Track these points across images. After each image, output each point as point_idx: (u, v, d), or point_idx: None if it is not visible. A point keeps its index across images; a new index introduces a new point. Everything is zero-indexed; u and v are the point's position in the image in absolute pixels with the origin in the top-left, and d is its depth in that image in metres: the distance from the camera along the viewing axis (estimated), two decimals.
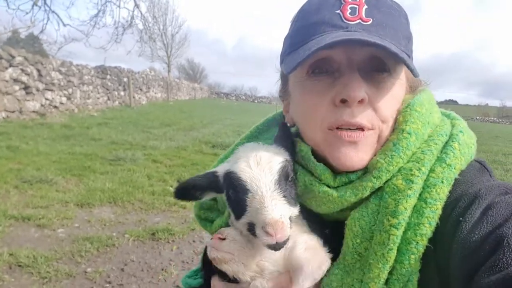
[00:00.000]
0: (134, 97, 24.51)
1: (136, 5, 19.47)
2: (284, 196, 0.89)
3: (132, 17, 19.91)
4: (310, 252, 0.91)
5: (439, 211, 0.84)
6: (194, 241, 5.15)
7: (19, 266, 4.04)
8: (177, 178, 7.97)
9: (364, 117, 0.91)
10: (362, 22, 0.89)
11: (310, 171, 0.98)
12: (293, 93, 1.06)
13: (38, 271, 3.95)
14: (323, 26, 0.91)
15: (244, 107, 38.44)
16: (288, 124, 1.10)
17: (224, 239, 0.98)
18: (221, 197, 1.12)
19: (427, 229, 0.82)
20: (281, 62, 1.06)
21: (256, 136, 1.26)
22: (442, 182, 0.86)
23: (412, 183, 0.85)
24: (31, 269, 3.98)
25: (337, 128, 0.92)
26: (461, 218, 0.81)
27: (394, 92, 0.94)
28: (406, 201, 0.83)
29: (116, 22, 19.83)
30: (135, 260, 4.48)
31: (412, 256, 0.82)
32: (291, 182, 0.95)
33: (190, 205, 6.46)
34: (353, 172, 0.94)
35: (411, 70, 0.88)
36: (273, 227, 0.82)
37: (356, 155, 0.92)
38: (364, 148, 0.93)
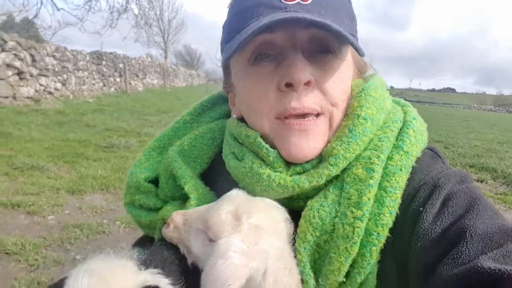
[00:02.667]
0: (130, 84, 24.32)
1: None
2: None
3: (128, 2, 19.63)
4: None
5: (399, 200, 0.81)
6: None
7: (6, 253, 3.99)
8: None
9: (311, 100, 0.86)
10: (302, 2, 0.84)
11: (259, 157, 0.91)
12: (236, 84, 1.00)
13: (25, 258, 3.90)
14: (260, 9, 0.85)
15: None
16: (236, 118, 1.04)
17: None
18: (164, 183, 1.06)
19: (388, 219, 0.79)
20: (221, 51, 0.99)
21: (200, 113, 1.21)
22: (401, 170, 0.83)
23: (373, 171, 0.81)
24: (18, 257, 3.93)
25: (286, 117, 0.87)
26: (421, 209, 0.80)
27: (341, 73, 0.90)
28: (369, 191, 0.79)
29: (111, 7, 19.53)
30: (125, 247, 4.40)
31: (374, 248, 0.78)
32: None
33: None
34: (306, 162, 0.88)
35: (356, 49, 0.84)
36: None
37: (308, 144, 0.87)
38: (315, 136, 0.88)
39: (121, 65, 22.96)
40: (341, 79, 0.90)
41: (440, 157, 0.94)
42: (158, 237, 1.02)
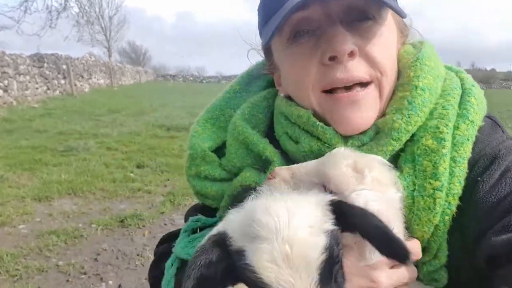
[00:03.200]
0: (75, 85, 23.27)
1: None
2: None
3: (66, 0, 18.73)
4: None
5: (466, 170, 0.83)
6: (165, 224, 5.10)
7: None
8: (136, 164, 7.79)
9: (359, 69, 0.85)
10: None
11: (315, 136, 0.92)
12: (279, 64, 1.01)
13: (6, 269, 3.76)
14: None
15: (193, 88, 37.83)
16: (284, 96, 1.04)
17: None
18: (233, 152, 1.02)
19: (458, 189, 0.81)
20: (260, 34, 1.00)
21: (247, 83, 1.17)
22: (468, 139, 0.84)
23: (444, 141, 0.82)
24: None
25: (333, 89, 0.88)
26: (479, 178, 0.82)
27: (384, 38, 0.89)
28: (444, 161, 0.81)
29: (48, 6, 18.58)
30: (107, 248, 4.38)
31: (446, 218, 0.81)
32: (337, 270, 0.67)
33: (155, 189, 6.39)
34: (362, 133, 0.89)
35: (396, 11, 0.84)
36: None
37: (361, 115, 0.87)
38: (367, 106, 0.88)
39: (64, 67, 21.88)
40: (385, 45, 0.90)
41: (499, 126, 0.94)
42: (227, 203, 0.99)
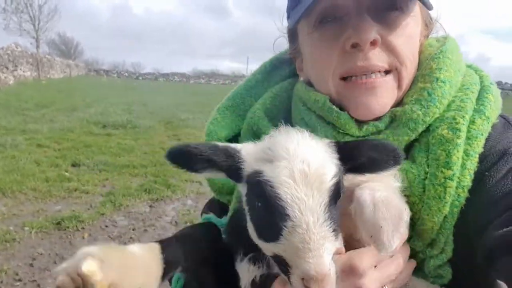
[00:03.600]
0: None
1: None
2: (333, 230, 0.69)
3: None
4: (381, 207, 0.73)
5: (476, 164, 0.84)
6: (106, 226, 4.85)
7: None
8: (71, 162, 7.35)
9: (379, 58, 0.87)
10: None
11: (329, 122, 0.93)
12: (303, 48, 1.02)
13: None
14: None
15: (128, 85, 36.41)
16: (304, 82, 1.05)
17: None
18: (245, 141, 0.97)
19: (468, 181, 0.83)
20: (288, 17, 1.02)
21: (269, 72, 1.16)
22: (482, 134, 0.86)
23: (459, 131, 0.84)
24: None
25: (352, 76, 0.89)
26: (486, 173, 0.84)
27: (409, 30, 0.91)
28: (458, 151, 0.82)
29: None
30: (44, 253, 4.08)
31: (455, 209, 0.83)
32: (339, 200, 0.73)
33: (94, 189, 6.06)
34: (377, 119, 0.90)
35: (424, 2, 0.86)
36: (318, 283, 0.65)
37: (377, 101, 0.88)
38: (384, 93, 0.89)
39: None
40: (409, 36, 0.91)
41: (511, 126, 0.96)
42: (237, 197, 0.97)
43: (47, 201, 5.51)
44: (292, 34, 1.07)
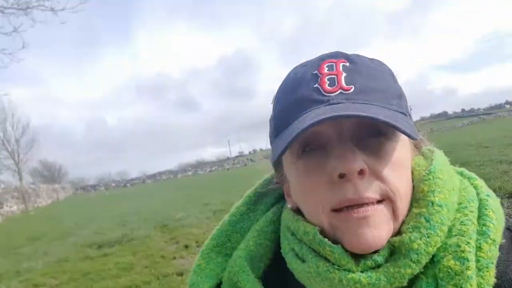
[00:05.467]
0: None
1: None
2: None
3: None
4: None
5: None
6: None
7: None
8: None
9: (370, 190, 0.80)
10: (344, 92, 0.82)
11: (322, 255, 0.85)
12: (289, 176, 0.96)
13: None
14: (304, 103, 0.83)
15: (118, 194, 36.15)
16: (292, 209, 0.98)
17: None
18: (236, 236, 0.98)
19: None
20: (270, 144, 0.98)
21: (255, 201, 1.11)
22: (492, 263, 0.77)
23: (468, 261, 0.75)
24: None
25: (341, 209, 0.82)
26: None
27: (397, 156, 0.85)
28: (471, 285, 0.73)
29: None
30: None
31: None
32: None
33: None
34: (375, 252, 0.82)
35: (407, 134, 0.78)
36: None
37: (371, 232, 0.80)
38: (377, 223, 0.81)
39: None
40: (399, 163, 0.85)
41: None
42: None
43: None
44: (276, 161, 1.01)
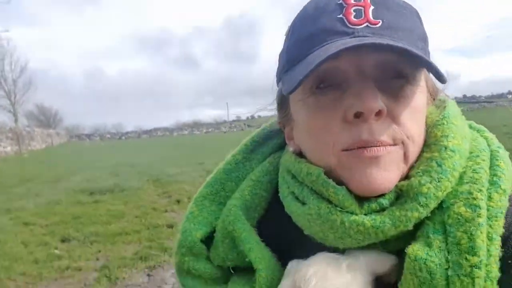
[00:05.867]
0: None
1: None
2: None
3: None
4: None
5: (500, 249, 0.72)
6: None
7: None
8: (60, 238, 7.05)
9: (385, 133, 0.76)
10: (370, 25, 0.76)
11: (324, 197, 0.81)
12: (296, 116, 0.89)
13: None
14: (324, 35, 0.77)
15: (113, 146, 36.21)
16: (294, 152, 0.93)
17: None
18: (220, 241, 0.93)
19: (496, 271, 0.70)
20: (278, 81, 0.91)
21: (252, 150, 1.07)
22: (502, 213, 0.75)
23: (480, 208, 0.73)
24: None
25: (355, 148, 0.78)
26: (510, 261, 0.73)
27: (416, 101, 0.81)
28: (481, 232, 0.71)
29: None
30: None
31: None
32: None
33: (86, 265, 5.76)
34: (380, 196, 0.78)
35: (438, 74, 0.75)
36: None
37: (380, 174, 0.76)
38: (388, 165, 0.77)
39: None
40: (416, 108, 0.81)
41: None
42: None
43: (38, 285, 5.19)
44: (281, 100, 0.96)
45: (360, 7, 0.77)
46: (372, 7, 0.77)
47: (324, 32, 0.77)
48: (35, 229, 7.85)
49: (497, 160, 0.82)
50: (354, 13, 0.77)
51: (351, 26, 0.76)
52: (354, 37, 0.74)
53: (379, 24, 0.76)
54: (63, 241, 6.97)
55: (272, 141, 1.07)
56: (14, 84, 44.52)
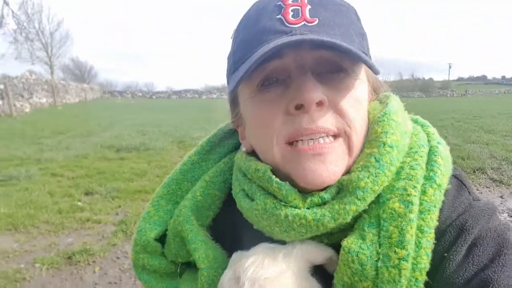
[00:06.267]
0: (15, 105, 21.99)
1: (6, 3, 17.34)
2: None
3: (2, 16, 17.70)
4: None
5: (433, 241, 0.76)
6: (118, 257, 4.76)
7: None
8: (84, 191, 7.35)
9: (326, 120, 0.79)
10: (307, 24, 0.78)
11: (270, 193, 0.85)
12: (244, 114, 0.93)
13: None
14: (265, 35, 0.79)
15: (142, 105, 36.89)
16: (247, 152, 0.97)
17: None
18: (171, 239, 0.99)
19: (426, 262, 0.74)
20: (227, 82, 0.94)
21: (208, 151, 1.11)
22: (435, 206, 0.78)
23: (412, 204, 0.75)
24: None
25: (297, 141, 0.81)
26: (445, 254, 0.77)
27: (356, 93, 0.84)
28: (411, 227, 0.74)
29: None
30: None
31: None
32: None
33: (106, 218, 6.02)
34: (324, 189, 0.81)
35: (370, 66, 0.78)
36: None
37: (325, 168, 0.79)
38: (333, 159, 0.80)
39: (1, 86, 20.62)
40: (357, 99, 0.84)
41: (466, 187, 0.89)
42: None
43: (60, 234, 5.47)
44: (233, 99, 0.98)
45: (297, 7, 0.80)
46: (309, 7, 0.80)
47: (264, 32, 0.79)
48: (62, 180, 8.20)
49: (435, 155, 0.84)
50: (291, 13, 0.79)
51: (289, 25, 0.78)
52: (292, 35, 0.77)
53: (315, 22, 0.78)
54: (86, 194, 7.26)
55: (228, 141, 1.11)
56: (51, 37, 45.45)
